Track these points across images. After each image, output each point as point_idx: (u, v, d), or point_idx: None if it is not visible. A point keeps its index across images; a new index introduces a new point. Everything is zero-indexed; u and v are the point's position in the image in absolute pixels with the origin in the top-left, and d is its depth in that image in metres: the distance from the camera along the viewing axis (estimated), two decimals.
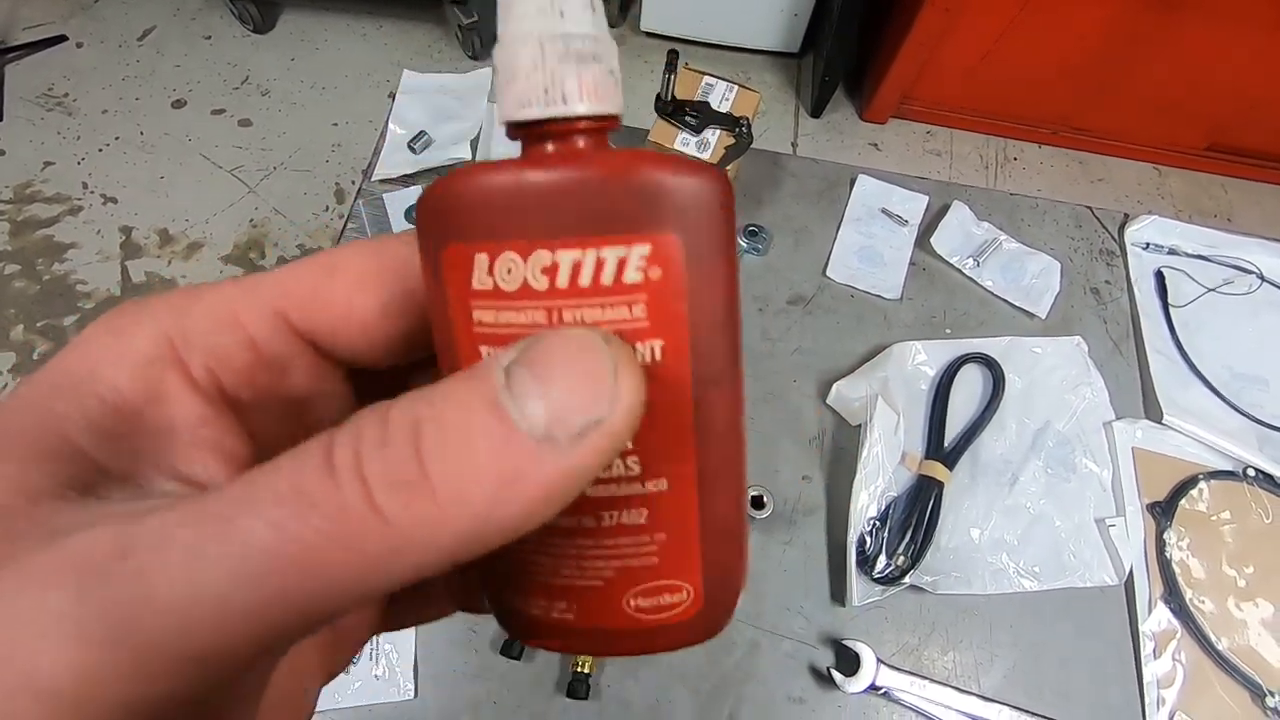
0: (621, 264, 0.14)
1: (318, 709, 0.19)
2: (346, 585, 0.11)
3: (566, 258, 0.14)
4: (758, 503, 0.59)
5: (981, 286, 0.80)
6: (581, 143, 0.15)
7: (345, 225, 0.77)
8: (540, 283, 0.14)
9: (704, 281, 0.15)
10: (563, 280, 0.14)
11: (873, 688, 0.59)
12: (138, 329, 0.15)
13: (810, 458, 0.70)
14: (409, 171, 0.78)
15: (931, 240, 0.81)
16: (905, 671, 0.60)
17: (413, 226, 0.16)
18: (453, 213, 0.14)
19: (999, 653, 0.63)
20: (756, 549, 0.65)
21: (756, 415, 0.71)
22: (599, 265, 0.14)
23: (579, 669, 0.58)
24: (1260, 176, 1.98)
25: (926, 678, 0.60)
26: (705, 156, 0.70)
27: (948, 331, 0.77)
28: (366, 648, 0.58)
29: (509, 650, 0.58)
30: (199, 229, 1.72)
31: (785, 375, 0.73)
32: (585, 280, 0.14)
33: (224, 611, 0.11)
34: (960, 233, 0.82)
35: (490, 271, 0.14)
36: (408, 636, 0.59)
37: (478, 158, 0.81)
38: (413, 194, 0.78)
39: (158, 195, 1.74)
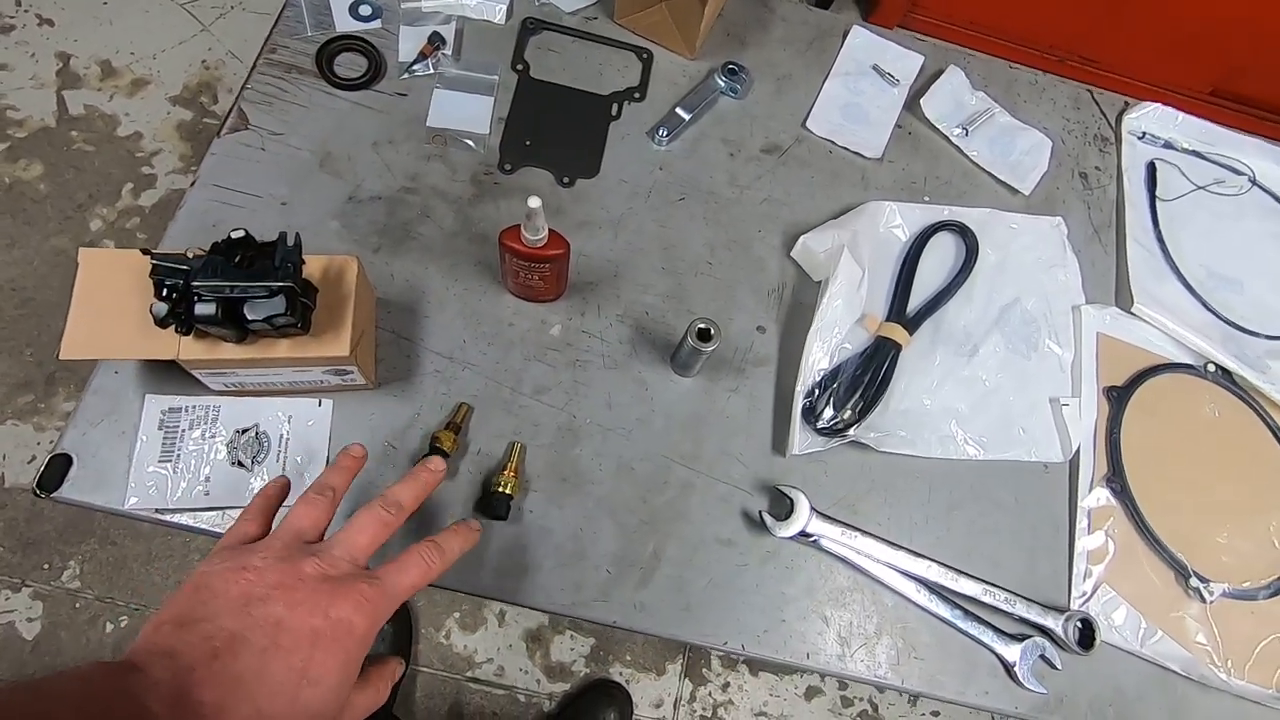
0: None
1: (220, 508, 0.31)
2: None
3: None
4: (704, 335, 0.55)
5: (967, 156, 0.75)
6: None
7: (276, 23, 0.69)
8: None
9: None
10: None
11: (803, 534, 0.57)
12: None
13: (767, 309, 0.66)
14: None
15: (921, 103, 0.75)
16: (839, 522, 0.58)
17: None
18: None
19: (934, 515, 0.61)
20: (699, 393, 0.62)
21: (716, 261, 0.67)
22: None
23: (500, 489, 0.55)
24: (1261, 130, 1.95)
25: (858, 529, 0.58)
26: None
27: (926, 199, 0.73)
28: (273, 450, 0.54)
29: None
30: (145, 64, 1.59)
31: (750, 224, 0.69)
32: None
33: None
34: (952, 99, 0.77)
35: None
36: (319, 449, 0.55)
37: None
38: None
39: (100, 22, 1.59)
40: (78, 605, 1.28)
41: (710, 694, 1.35)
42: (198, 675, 0.33)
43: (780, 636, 0.56)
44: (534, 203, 0.49)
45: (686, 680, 1.35)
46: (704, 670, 1.36)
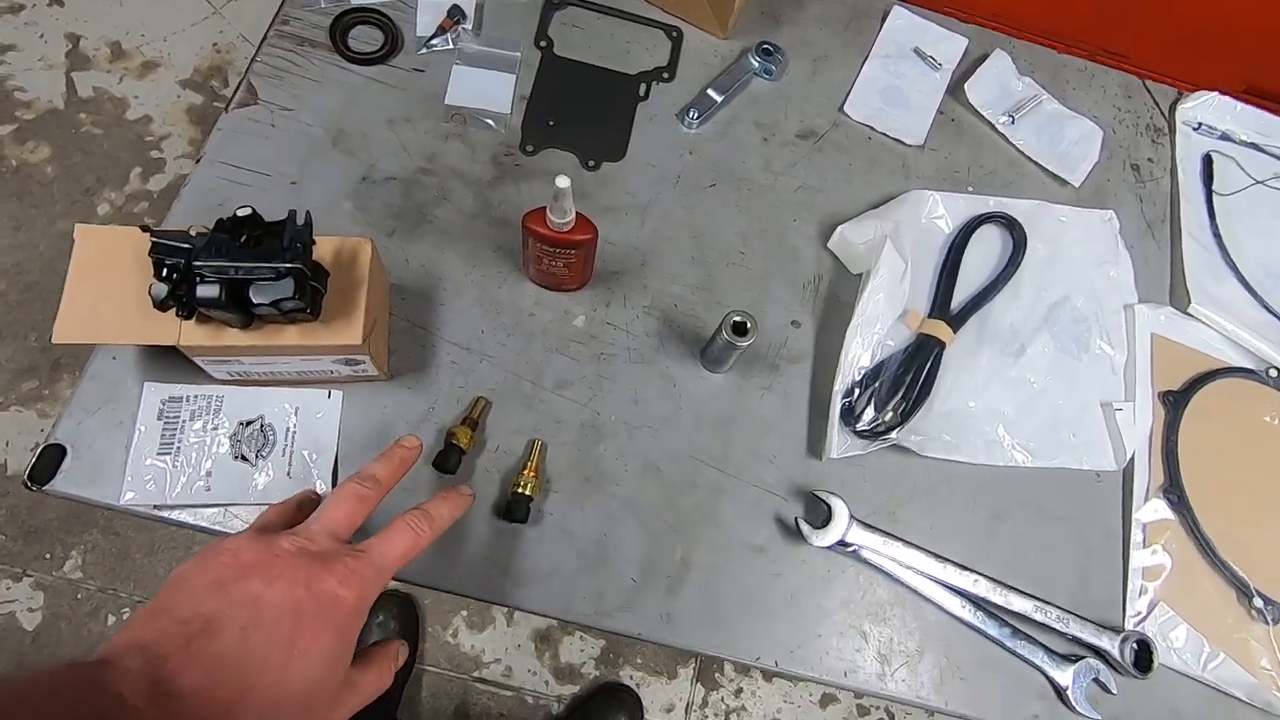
0: None
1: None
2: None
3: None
4: (740, 329, 0.51)
5: (1013, 145, 0.71)
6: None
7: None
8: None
9: None
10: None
11: (841, 544, 0.53)
12: None
13: (802, 302, 0.62)
14: None
15: (966, 88, 0.71)
16: (879, 531, 0.54)
17: None
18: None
19: (979, 525, 0.57)
20: (731, 391, 0.58)
21: (748, 250, 0.63)
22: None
23: (519, 489, 0.51)
24: None
25: (900, 539, 0.54)
26: None
27: (970, 189, 0.69)
28: (279, 444, 0.51)
29: (443, 464, 0.51)
30: (156, 46, 1.56)
31: (784, 212, 0.65)
32: None
33: None
34: (997, 85, 0.73)
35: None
36: (328, 443, 0.52)
37: None
38: None
39: (110, 3, 1.56)
40: (79, 596, 1.26)
41: (723, 699, 1.31)
42: (174, 662, 0.30)
43: (815, 652, 0.53)
44: (562, 183, 0.46)
45: (699, 685, 1.32)
46: (716, 675, 1.32)
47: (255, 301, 0.43)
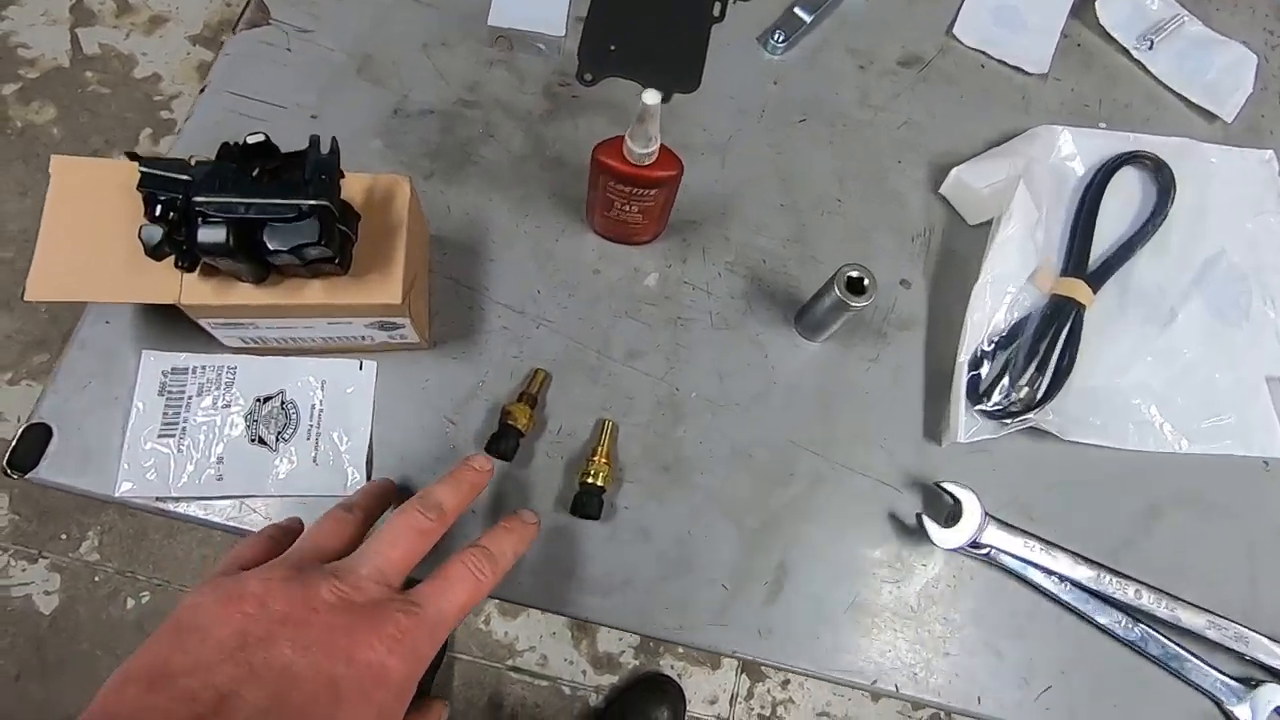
0: None
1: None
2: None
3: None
4: (856, 285, 0.42)
5: (1151, 74, 0.60)
6: None
7: None
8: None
9: None
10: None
11: (973, 545, 0.45)
12: None
13: (912, 258, 0.53)
14: None
15: (1096, 8, 0.61)
16: (1019, 530, 0.45)
17: None
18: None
19: (1131, 523, 0.48)
20: (831, 362, 0.49)
21: (846, 197, 0.53)
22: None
23: (590, 479, 0.43)
24: None
25: (1045, 540, 0.45)
26: None
27: (1102, 125, 0.58)
28: (302, 424, 0.42)
29: (498, 448, 0.43)
30: (163, 0, 1.47)
31: (887, 152, 0.55)
32: None
33: None
34: (1130, 4, 0.62)
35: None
36: (360, 423, 0.43)
37: None
38: None
39: None
40: (97, 579, 1.21)
41: (769, 691, 1.24)
42: None
43: (943, 674, 0.44)
44: (651, 99, 0.36)
45: (743, 676, 1.24)
46: (762, 666, 1.25)
47: (271, 248, 0.34)
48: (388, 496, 0.39)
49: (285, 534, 0.35)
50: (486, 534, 0.35)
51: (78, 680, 1.17)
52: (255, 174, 0.35)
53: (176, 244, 0.34)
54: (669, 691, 1.18)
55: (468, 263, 0.48)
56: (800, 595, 0.44)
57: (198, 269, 0.37)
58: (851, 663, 0.44)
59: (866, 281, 0.43)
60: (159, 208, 0.34)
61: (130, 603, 1.20)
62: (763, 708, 1.24)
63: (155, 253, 0.34)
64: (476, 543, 0.34)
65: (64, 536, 1.22)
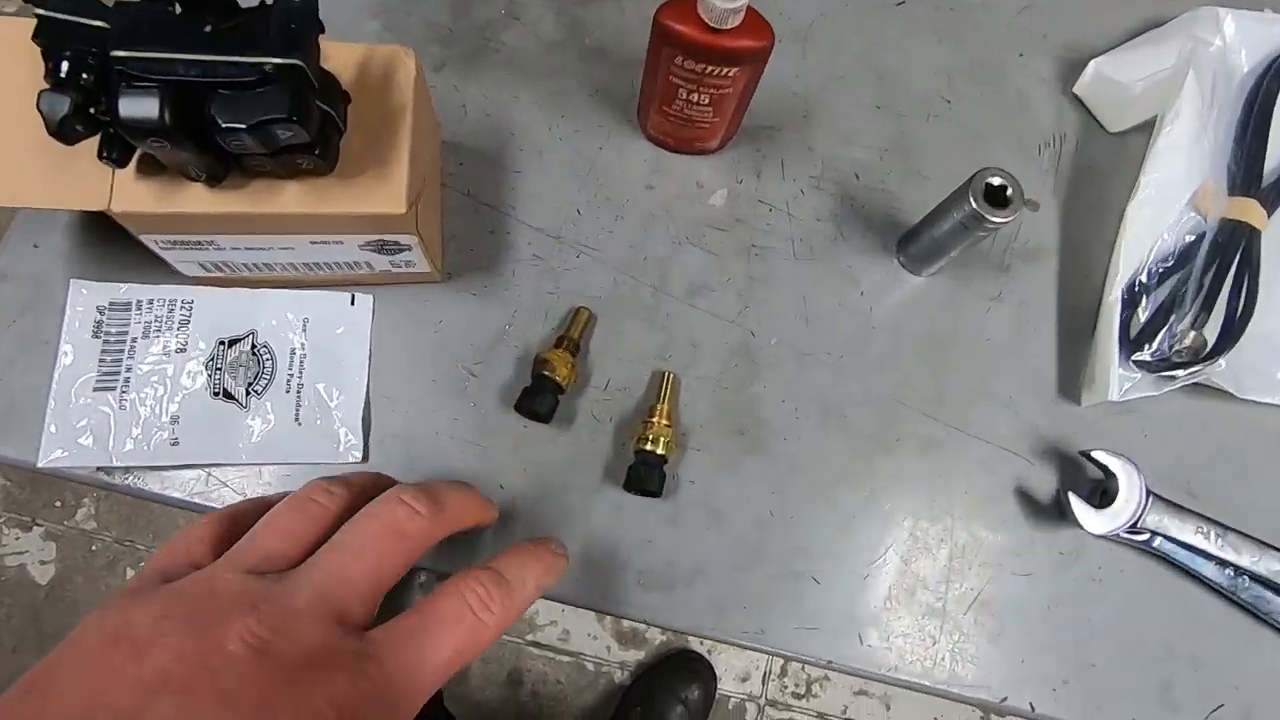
0: None
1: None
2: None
3: None
4: (998, 196, 0.32)
5: None
6: None
7: None
8: None
9: None
10: None
11: (1131, 530, 0.35)
12: None
13: (1040, 173, 0.42)
14: None
15: None
16: (1192, 514, 0.36)
17: None
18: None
19: None
20: (942, 301, 0.39)
21: (955, 98, 0.43)
22: None
23: (648, 447, 0.33)
24: None
25: (1227, 527, 0.36)
26: None
27: (1267, 8, 0.47)
28: (279, 373, 0.33)
29: (533, 407, 0.33)
30: None
31: (1004, 43, 0.44)
32: None
33: None
34: None
35: None
36: (355, 374, 0.34)
37: None
38: None
39: None
40: (94, 548, 1.14)
41: (804, 668, 1.17)
42: None
43: (1087, 690, 0.35)
44: None
45: None
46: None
47: (223, 125, 0.24)
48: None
49: (253, 518, 0.26)
50: (503, 554, 0.25)
51: None
52: (208, 31, 0.25)
53: (92, 120, 0.25)
54: (700, 670, 1.11)
55: (489, 176, 0.38)
56: (907, 591, 0.35)
57: (133, 163, 0.27)
58: (975, 675, 0.35)
59: (1011, 191, 0.33)
60: (65, 67, 0.24)
61: (129, 572, 1.14)
62: (797, 685, 1.17)
63: (63, 132, 0.24)
64: (486, 564, 0.24)
65: (58, 504, 1.15)
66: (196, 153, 0.26)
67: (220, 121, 0.24)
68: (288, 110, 0.24)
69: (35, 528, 1.14)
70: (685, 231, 0.39)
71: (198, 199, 0.28)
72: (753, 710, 1.14)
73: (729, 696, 1.14)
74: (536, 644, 1.15)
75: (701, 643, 1.16)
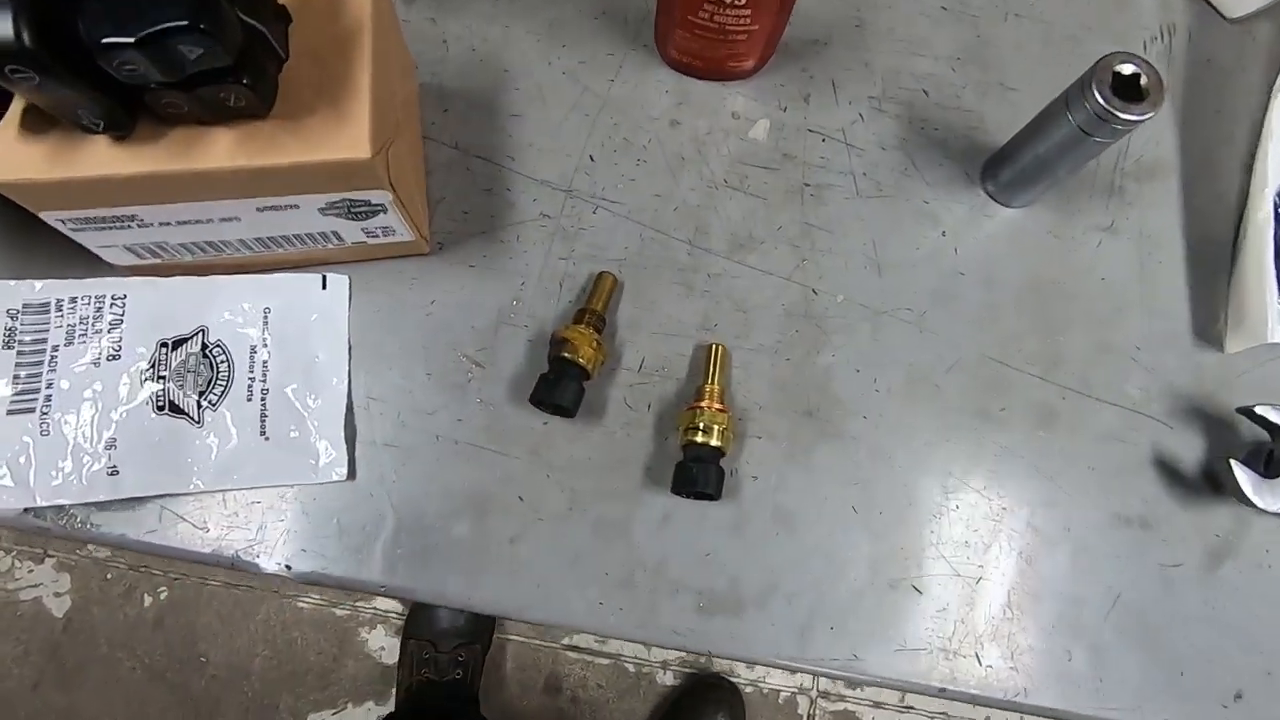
0: None
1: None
2: None
3: None
4: (1130, 88, 0.25)
5: None
6: None
7: None
8: None
9: None
10: None
11: None
12: None
13: None
14: None
15: None
16: None
17: None
18: None
19: None
20: (1042, 237, 0.32)
21: None
22: None
23: (698, 438, 0.27)
24: None
25: None
26: None
27: None
28: (239, 376, 0.27)
29: (554, 398, 0.27)
30: None
31: None
32: None
33: None
34: None
35: None
36: (332, 361, 0.28)
37: None
38: None
39: None
40: (109, 576, 1.10)
41: None
42: None
43: (1268, 703, 0.28)
44: None
45: None
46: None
47: (102, 41, 0.18)
48: None
49: None
50: None
51: (101, 685, 1.07)
52: None
53: None
54: (722, 699, 1.03)
55: (481, 123, 0.32)
56: (1031, 596, 0.28)
57: (15, 116, 0.21)
58: (1123, 695, 0.28)
59: (1146, 80, 0.25)
60: None
61: (148, 600, 1.10)
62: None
63: None
64: None
65: None
66: (83, 90, 0.19)
67: (97, 36, 0.18)
68: (190, 13, 0.18)
69: (48, 559, 1.10)
70: (722, 173, 0.32)
71: (100, 158, 0.21)
72: (804, 703, 1.08)
73: (779, 690, 1.08)
74: (573, 648, 1.09)
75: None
